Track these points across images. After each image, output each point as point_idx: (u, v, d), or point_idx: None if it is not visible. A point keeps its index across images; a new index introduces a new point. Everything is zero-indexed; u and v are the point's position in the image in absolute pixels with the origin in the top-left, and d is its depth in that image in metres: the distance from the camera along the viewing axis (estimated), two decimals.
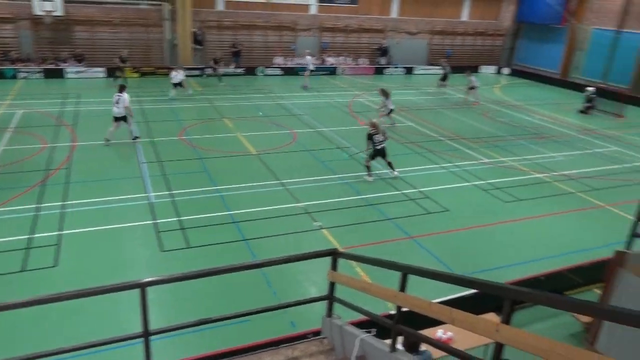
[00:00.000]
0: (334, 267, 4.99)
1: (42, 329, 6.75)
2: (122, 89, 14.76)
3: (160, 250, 9.01)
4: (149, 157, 13.74)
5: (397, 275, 4.04)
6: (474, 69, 30.82)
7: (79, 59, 25.34)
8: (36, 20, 24.34)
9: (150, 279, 3.95)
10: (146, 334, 3.96)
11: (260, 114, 19.04)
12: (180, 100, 20.53)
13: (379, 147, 12.64)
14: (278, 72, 28.53)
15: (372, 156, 12.83)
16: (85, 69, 25.05)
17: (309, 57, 25.59)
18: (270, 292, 7.90)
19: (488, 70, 33.98)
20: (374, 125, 12.86)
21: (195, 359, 6.11)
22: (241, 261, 8.42)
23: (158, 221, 10.04)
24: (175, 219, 10.19)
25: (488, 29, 34.29)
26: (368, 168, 12.93)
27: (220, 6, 27.60)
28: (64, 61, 25.08)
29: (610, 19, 27.92)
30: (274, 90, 24.16)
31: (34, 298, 3.66)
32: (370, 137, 12.69)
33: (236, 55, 27.91)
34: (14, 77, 23.72)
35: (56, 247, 8.87)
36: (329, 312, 5.13)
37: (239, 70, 27.68)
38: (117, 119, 14.57)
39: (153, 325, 3.97)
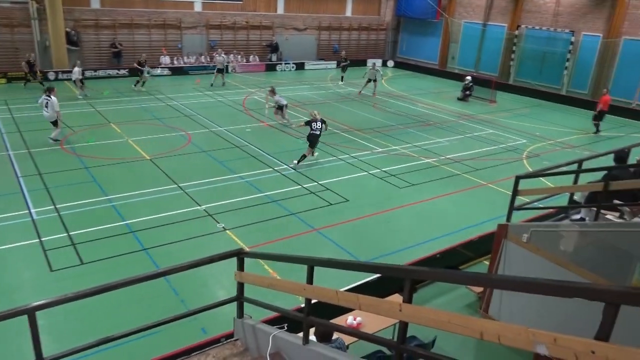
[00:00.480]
0: (240, 267, 4.94)
1: None
2: (49, 91, 14.28)
3: (50, 270, 8.26)
4: (26, 171, 12.49)
5: (303, 269, 4.10)
6: (362, 62, 32.16)
7: None
8: None
9: (38, 303, 3.61)
10: None
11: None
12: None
13: (316, 133, 13.45)
14: (166, 72, 27.38)
15: (310, 143, 13.55)
16: None
17: (221, 57, 25.64)
18: (178, 300, 7.62)
19: (377, 63, 35.54)
20: (313, 114, 13.85)
21: None
22: (143, 272, 8.02)
23: (44, 239, 9.18)
24: (63, 234, 9.38)
25: (371, 24, 35.83)
26: (304, 156, 13.57)
27: (95, 4, 25.73)
28: None
29: (477, 13, 30.63)
30: (163, 90, 23.16)
31: None
32: (308, 123, 13.65)
33: (117, 55, 26.29)
34: None
35: None
36: (240, 313, 5.07)
37: (122, 72, 26.13)
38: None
39: (48, 352, 3.64)
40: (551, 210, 8.20)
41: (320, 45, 33.91)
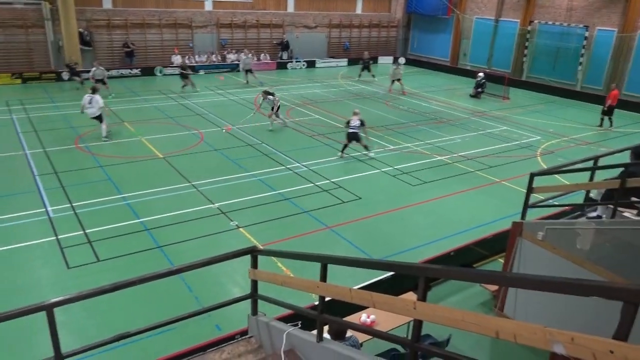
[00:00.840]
0: (254, 265, 4.97)
1: None
2: (94, 90, 15.19)
3: (67, 267, 8.38)
4: (42, 169, 12.67)
5: (316, 266, 4.12)
6: (374, 60, 32.03)
7: None
8: None
9: (56, 299, 3.67)
10: (58, 358, 3.69)
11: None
12: (71, 106, 19.09)
13: (350, 132, 13.97)
14: (177, 71, 27.51)
15: (348, 139, 14.13)
16: None
17: (248, 59, 25.68)
18: (192, 297, 7.69)
19: (385, 60, 35.39)
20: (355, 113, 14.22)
21: None
22: (158, 269, 8.11)
23: (60, 237, 9.31)
24: (80, 232, 9.51)
25: (382, 21, 35.69)
26: (345, 147, 14.31)
27: (107, 4, 25.97)
28: None
29: (489, 9, 30.34)
30: (175, 90, 23.31)
31: None
32: (347, 122, 14.15)
33: (129, 55, 26.51)
34: None
35: None
36: (254, 311, 5.11)
37: (135, 71, 26.36)
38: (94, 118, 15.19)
39: (66, 347, 3.71)
40: (567, 207, 8.13)
41: (330, 43, 33.87)
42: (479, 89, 24.82)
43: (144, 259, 8.70)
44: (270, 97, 16.87)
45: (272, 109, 16.86)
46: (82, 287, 7.58)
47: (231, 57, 29.58)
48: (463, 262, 8.68)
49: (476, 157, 15.08)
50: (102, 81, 20.31)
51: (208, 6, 28.77)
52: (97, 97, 14.92)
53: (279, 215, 10.63)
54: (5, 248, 8.91)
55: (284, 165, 13.59)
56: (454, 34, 32.67)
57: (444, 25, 33.13)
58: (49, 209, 10.48)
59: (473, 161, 14.67)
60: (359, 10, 34.55)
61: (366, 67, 27.91)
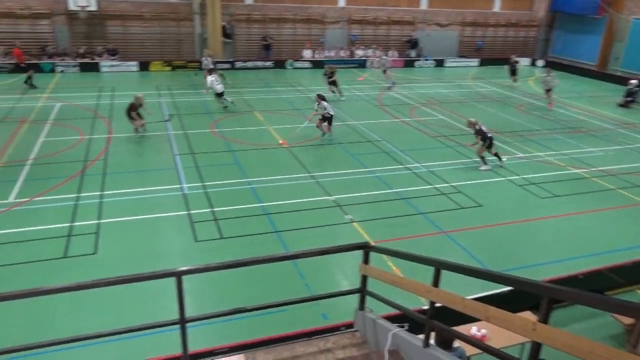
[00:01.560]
0: (366, 260, 4.99)
1: (80, 314, 6.97)
2: (211, 72, 19.03)
3: (195, 240, 9.18)
4: (182, 149, 13.99)
5: (427, 270, 4.01)
6: (503, 61, 30.17)
7: (113, 53, 25.90)
8: (71, 15, 25.00)
9: (186, 268, 4.03)
10: (183, 321, 4.04)
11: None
12: (210, 93, 20.76)
13: (490, 135, 13.20)
14: (307, 65, 28.55)
15: (487, 145, 13.26)
16: (119, 62, 25.61)
17: (385, 57, 25.26)
18: (302, 283, 7.95)
19: (521, 62, 33.12)
20: (472, 124, 13.42)
21: (229, 347, 6.20)
22: (273, 252, 8.54)
23: (192, 212, 10.22)
24: (208, 210, 10.35)
25: (521, 20, 33.41)
26: (482, 158, 13.40)
27: (249, 0, 27.76)
28: (99, 55, 25.69)
29: None
30: (303, 83, 24.18)
31: (75, 284, 3.77)
32: (478, 132, 13.23)
33: (267, 48, 28.05)
34: (52, 70, 24.45)
35: (95, 235, 9.15)
36: (362, 305, 5.13)
37: (269, 64, 27.85)
38: (218, 95, 18.46)
39: (188, 313, 4.05)
40: None
41: (462, 42, 32.58)
42: (630, 98, 22.13)
43: (261, 241, 9.20)
44: (324, 103, 15.06)
45: (329, 119, 15.12)
46: (206, 260, 8.30)
47: (359, 53, 29.88)
48: (593, 287, 7.84)
49: (619, 173, 13.51)
50: (213, 70, 20.95)
51: (341, 2, 29.33)
52: (211, 77, 18.26)
53: (394, 214, 10.54)
54: (148, 216, 10.01)
55: (402, 164, 13.43)
56: (605, 36, 29.50)
57: (594, 25, 30.03)
58: (184, 185, 11.54)
59: (615, 178, 13.16)
60: (496, 8, 32.75)
61: (513, 71, 25.37)
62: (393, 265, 8.40)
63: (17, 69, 22.12)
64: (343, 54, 29.68)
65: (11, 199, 10.55)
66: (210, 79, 18.35)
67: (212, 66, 21.54)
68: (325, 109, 14.96)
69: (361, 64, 29.27)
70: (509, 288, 6.92)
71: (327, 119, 15.10)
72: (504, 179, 12.77)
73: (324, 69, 21.43)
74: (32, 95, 19.76)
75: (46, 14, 24.79)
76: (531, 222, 10.52)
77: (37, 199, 10.54)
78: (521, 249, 9.47)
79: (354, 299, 5.22)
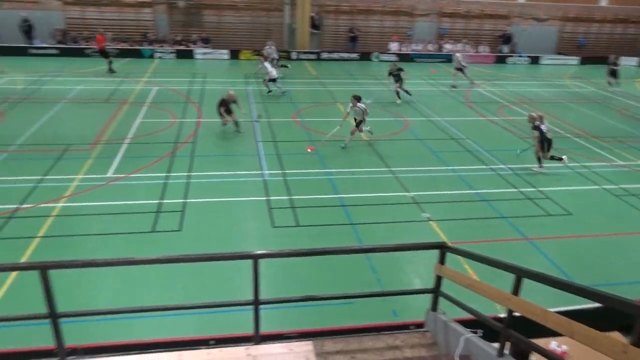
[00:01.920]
0: (441, 260, 4.87)
1: (164, 286, 7.41)
2: (265, 58, 20.09)
3: (272, 225, 9.44)
4: (265, 137, 14.40)
5: (506, 277, 3.83)
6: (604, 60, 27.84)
7: (206, 41, 27.15)
8: (171, 5, 26.50)
9: (263, 252, 4.17)
10: (256, 303, 4.19)
11: (369, 101, 17.23)
12: (295, 83, 21.15)
13: (549, 137, 12.40)
14: (393, 58, 28.13)
15: (543, 147, 12.43)
16: (212, 50, 26.79)
17: (458, 55, 23.15)
18: (374, 278, 7.90)
19: (629, 62, 30.37)
20: (533, 119, 12.51)
21: (299, 332, 6.33)
22: (346, 244, 8.57)
23: (271, 198, 10.52)
24: (286, 197, 10.59)
25: (631, 16, 30.61)
26: (539, 159, 12.62)
27: None
28: (194, 43, 27.04)
29: None
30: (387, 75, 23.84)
31: (163, 257, 4.02)
32: (536, 128, 12.30)
33: (353, 40, 28.03)
34: (151, 56, 26.14)
35: (181, 213, 9.71)
36: (434, 306, 5.02)
37: (354, 55, 27.80)
38: (272, 80, 19.05)
39: (262, 295, 4.18)
40: None
41: (562, 38, 30.51)
42: None
43: (336, 232, 9.26)
44: (361, 105, 13.56)
45: (357, 122, 13.78)
46: (281, 246, 8.51)
47: (448, 47, 28.98)
48: None
49: None
50: (275, 59, 21.57)
51: None
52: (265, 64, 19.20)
53: (473, 215, 10.17)
54: (229, 199, 10.44)
55: (486, 165, 12.89)
56: None
57: None
58: (265, 172, 11.88)
59: None
60: (603, 3, 30.27)
61: (613, 73, 23.12)
62: (469, 269, 8.12)
63: (101, 54, 22.17)
64: (430, 47, 28.93)
65: (110, 173, 11.45)
66: (268, 64, 19.20)
67: (275, 55, 21.97)
68: (363, 113, 13.59)
69: (448, 59, 28.33)
70: (595, 305, 6.44)
71: (360, 122, 13.78)
72: (599, 187, 11.85)
73: (389, 67, 19.61)
74: (133, 78, 21.24)
75: (149, 2, 26.50)
76: (626, 236, 9.68)
77: (132, 175, 11.36)
78: (612, 264, 8.76)
79: (425, 298, 5.12)
